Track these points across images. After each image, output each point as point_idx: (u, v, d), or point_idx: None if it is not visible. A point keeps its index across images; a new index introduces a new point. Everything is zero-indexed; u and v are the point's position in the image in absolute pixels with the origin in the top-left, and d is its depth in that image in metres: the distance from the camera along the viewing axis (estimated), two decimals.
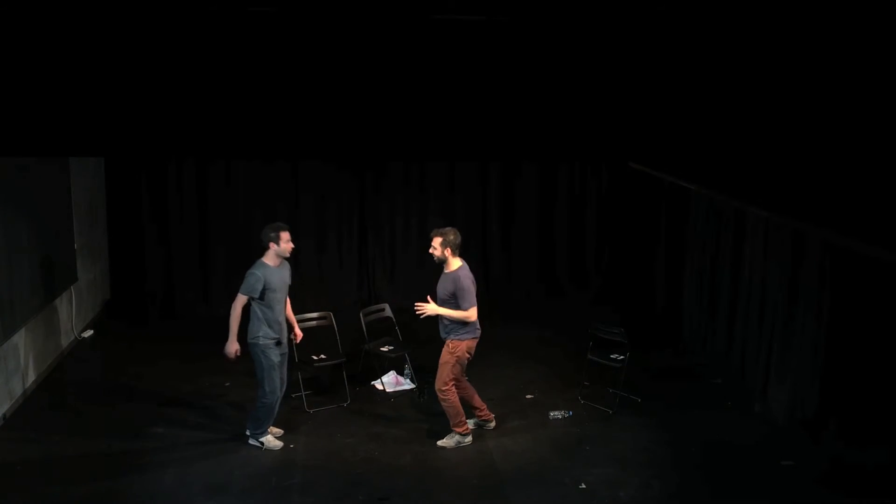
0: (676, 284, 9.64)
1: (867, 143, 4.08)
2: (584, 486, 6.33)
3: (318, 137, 6.30)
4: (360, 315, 8.18)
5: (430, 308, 6.65)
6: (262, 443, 6.83)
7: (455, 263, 6.73)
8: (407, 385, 8.13)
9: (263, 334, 6.66)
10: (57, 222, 8.49)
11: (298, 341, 7.13)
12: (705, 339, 8.88)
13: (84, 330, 9.34)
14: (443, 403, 6.82)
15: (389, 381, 8.13)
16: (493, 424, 7.16)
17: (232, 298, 10.18)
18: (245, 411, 7.52)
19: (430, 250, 6.76)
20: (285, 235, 6.70)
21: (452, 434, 6.92)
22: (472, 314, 6.63)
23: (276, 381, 6.71)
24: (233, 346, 6.72)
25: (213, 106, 5.80)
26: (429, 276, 10.42)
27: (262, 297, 6.62)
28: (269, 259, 6.69)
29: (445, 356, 6.75)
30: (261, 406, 6.78)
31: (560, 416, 7.51)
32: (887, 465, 6.30)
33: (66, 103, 5.60)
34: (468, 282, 6.65)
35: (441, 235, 6.68)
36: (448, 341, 6.75)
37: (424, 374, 8.05)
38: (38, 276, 7.84)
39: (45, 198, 8.19)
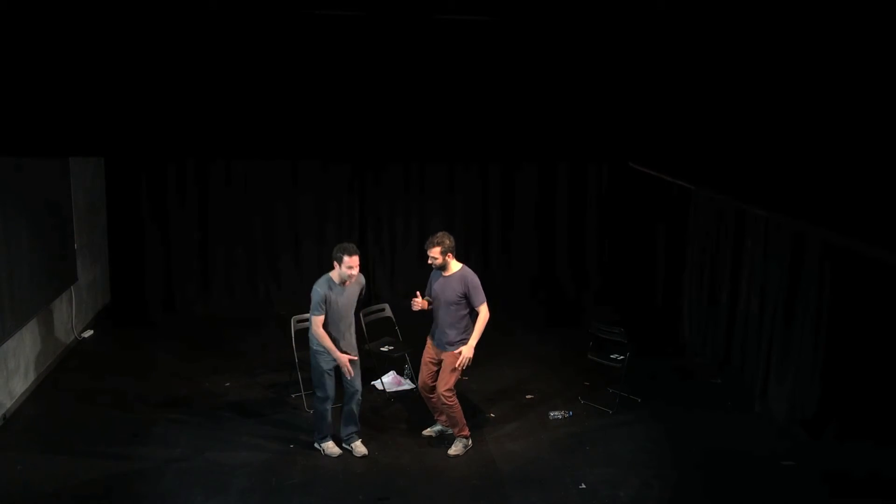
0: (676, 284, 9.64)
1: (867, 143, 4.08)
2: (584, 486, 6.34)
3: (318, 137, 6.30)
4: (360, 315, 8.17)
5: (466, 356, 6.65)
6: (321, 448, 6.79)
7: (455, 265, 6.76)
8: (407, 385, 8.13)
9: (318, 344, 6.57)
10: (57, 222, 8.48)
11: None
12: (705, 339, 8.88)
13: (84, 330, 9.34)
14: (447, 410, 6.80)
15: (389, 381, 8.13)
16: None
17: (232, 298, 10.38)
18: (245, 411, 7.54)
19: (430, 261, 6.73)
20: (349, 260, 6.43)
21: (458, 440, 6.91)
22: (486, 309, 6.68)
23: (326, 389, 6.63)
24: (342, 359, 6.53)
25: (213, 106, 5.79)
26: (428, 276, 10.48)
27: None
28: (335, 275, 6.55)
29: (454, 363, 6.71)
30: (314, 412, 6.81)
31: (560, 416, 7.52)
32: (888, 465, 6.30)
33: (66, 103, 5.59)
34: (476, 278, 6.73)
35: (438, 244, 6.66)
36: (453, 353, 6.71)
37: None
38: (38, 276, 7.84)
39: (45, 198, 8.19)
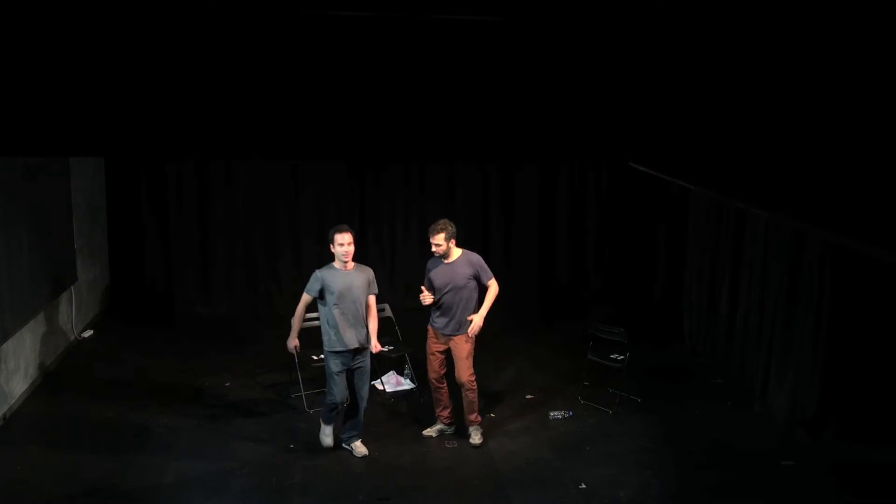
0: (676, 284, 9.64)
1: (867, 143, 4.08)
2: (584, 486, 6.34)
3: (318, 137, 6.30)
4: None
5: (477, 324, 6.73)
6: (321, 431, 6.82)
7: (457, 251, 6.84)
8: (407, 385, 8.13)
9: (327, 339, 6.54)
10: (57, 222, 8.49)
11: (375, 352, 6.75)
12: (705, 339, 8.88)
13: (84, 330, 9.34)
14: (470, 395, 6.89)
15: (389, 381, 8.13)
16: (452, 429, 7.17)
17: (232, 298, 10.38)
18: (245, 411, 7.54)
19: (434, 248, 6.77)
20: (339, 237, 6.41)
21: (475, 429, 7.00)
22: (496, 284, 6.85)
23: (332, 388, 6.58)
24: (291, 342, 6.75)
25: (213, 106, 5.80)
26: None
27: (322, 298, 6.51)
28: (336, 261, 6.53)
29: (467, 348, 6.80)
30: (321, 410, 6.83)
31: (560, 416, 7.52)
32: (887, 465, 6.30)
33: (66, 103, 5.59)
34: (480, 258, 6.89)
35: (442, 231, 6.72)
36: (464, 335, 6.80)
37: (424, 374, 8.05)
38: (38, 276, 7.84)
39: (45, 198, 8.19)
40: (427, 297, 6.79)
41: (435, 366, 6.94)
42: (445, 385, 7.01)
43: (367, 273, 6.69)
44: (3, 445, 6.76)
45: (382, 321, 8.31)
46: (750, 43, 5.03)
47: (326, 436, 6.80)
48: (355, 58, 5.69)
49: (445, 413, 7.09)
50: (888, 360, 6.44)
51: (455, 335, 6.81)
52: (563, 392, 8.04)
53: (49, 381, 8.06)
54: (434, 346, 6.94)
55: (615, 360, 7.69)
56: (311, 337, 7.28)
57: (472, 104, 5.97)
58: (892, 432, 6.36)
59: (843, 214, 4.33)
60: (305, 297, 6.60)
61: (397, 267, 10.74)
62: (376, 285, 6.75)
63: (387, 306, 8.49)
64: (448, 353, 6.92)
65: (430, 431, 7.14)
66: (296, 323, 6.69)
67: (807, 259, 6.95)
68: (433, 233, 6.74)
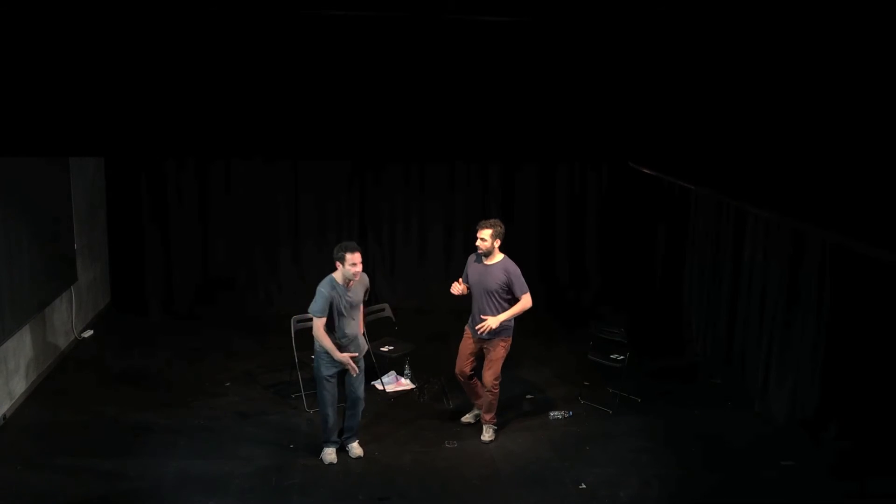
0: (676, 284, 9.64)
1: (867, 143, 4.08)
2: (584, 486, 6.34)
3: (318, 137, 6.29)
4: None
5: (491, 322, 6.70)
6: (322, 452, 6.69)
7: (499, 254, 6.86)
8: (407, 385, 8.13)
9: (320, 346, 6.51)
10: (57, 222, 8.48)
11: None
12: (705, 339, 8.89)
13: (84, 330, 9.34)
14: (489, 396, 6.96)
15: (389, 381, 8.14)
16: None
17: (232, 298, 10.38)
18: (245, 411, 7.54)
19: (478, 243, 6.81)
20: (351, 257, 6.36)
21: (489, 427, 7.06)
22: (529, 299, 6.81)
23: (323, 394, 6.55)
24: (344, 357, 6.44)
25: (213, 105, 5.79)
26: (428, 276, 10.50)
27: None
28: (338, 276, 6.46)
29: (501, 352, 6.89)
30: (321, 424, 6.74)
31: (560, 416, 7.52)
32: (887, 466, 6.30)
33: (66, 103, 5.58)
34: (518, 268, 6.84)
35: (490, 227, 6.77)
36: (503, 339, 6.87)
37: (424, 374, 8.06)
38: (38, 276, 7.84)
39: (45, 198, 8.19)
40: (456, 288, 6.86)
41: (463, 363, 7.02)
42: (475, 379, 7.08)
43: (365, 281, 6.70)
44: (2, 445, 6.76)
45: (382, 321, 8.34)
46: (750, 42, 5.03)
47: (328, 454, 6.68)
48: (355, 57, 5.69)
49: (480, 401, 7.14)
50: (888, 361, 6.44)
51: (489, 338, 6.85)
52: (563, 392, 8.05)
53: (49, 381, 8.06)
54: (466, 345, 7.00)
55: (615, 360, 7.69)
56: (308, 339, 7.29)
57: (472, 104, 5.96)
58: (892, 432, 6.36)
59: (843, 214, 4.33)
60: (320, 322, 6.40)
61: (397, 267, 10.74)
62: (369, 290, 6.84)
63: (387, 306, 8.49)
64: (478, 355, 6.99)
65: (468, 418, 7.25)
66: (329, 344, 6.43)
67: (807, 259, 6.95)
68: (481, 227, 6.82)
